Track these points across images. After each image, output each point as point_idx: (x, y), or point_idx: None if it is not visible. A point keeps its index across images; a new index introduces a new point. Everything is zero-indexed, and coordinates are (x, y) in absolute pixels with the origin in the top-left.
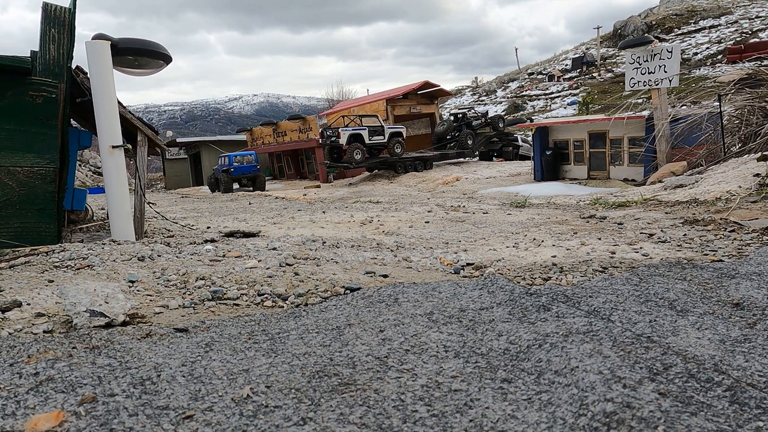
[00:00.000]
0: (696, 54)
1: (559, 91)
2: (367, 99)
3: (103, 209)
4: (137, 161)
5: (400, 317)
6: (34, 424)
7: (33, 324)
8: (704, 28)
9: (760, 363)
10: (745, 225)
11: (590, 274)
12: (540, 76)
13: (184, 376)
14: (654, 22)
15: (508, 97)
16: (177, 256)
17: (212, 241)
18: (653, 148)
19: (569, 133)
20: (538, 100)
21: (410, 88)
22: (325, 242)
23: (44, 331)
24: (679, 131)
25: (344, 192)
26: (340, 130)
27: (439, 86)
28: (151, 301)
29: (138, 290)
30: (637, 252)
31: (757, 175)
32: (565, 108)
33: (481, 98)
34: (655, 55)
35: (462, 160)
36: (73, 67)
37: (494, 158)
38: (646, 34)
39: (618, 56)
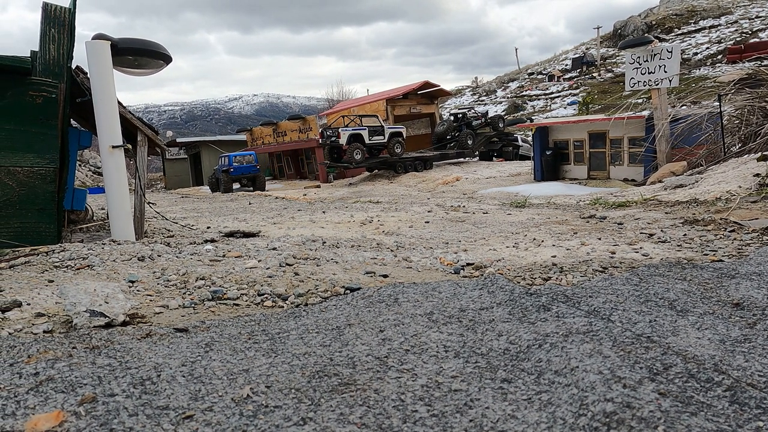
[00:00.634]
0: (696, 54)
1: (559, 91)
2: (367, 99)
3: (103, 209)
4: (137, 161)
5: (400, 317)
6: (34, 424)
7: (33, 324)
8: (704, 28)
9: (760, 363)
10: (745, 225)
11: (590, 274)
12: (540, 76)
13: (184, 376)
14: (654, 22)
15: (508, 97)
16: (177, 256)
17: (212, 241)
18: (653, 148)
19: (569, 133)
20: (538, 100)
21: (410, 88)
22: (325, 242)
23: (44, 331)
24: (679, 131)
25: (344, 192)
26: (340, 130)
27: (439, 86)
28: (151, 301)
29: (138, 290)
30: (637, 252)
31: (757, 175)
32: (565, 108)
33: (481, 98)
34: (655, 55)
35: (462, 160)
36: (73, 67)
37: (494, 158)
38: (646, 34)
39: (618, 56)
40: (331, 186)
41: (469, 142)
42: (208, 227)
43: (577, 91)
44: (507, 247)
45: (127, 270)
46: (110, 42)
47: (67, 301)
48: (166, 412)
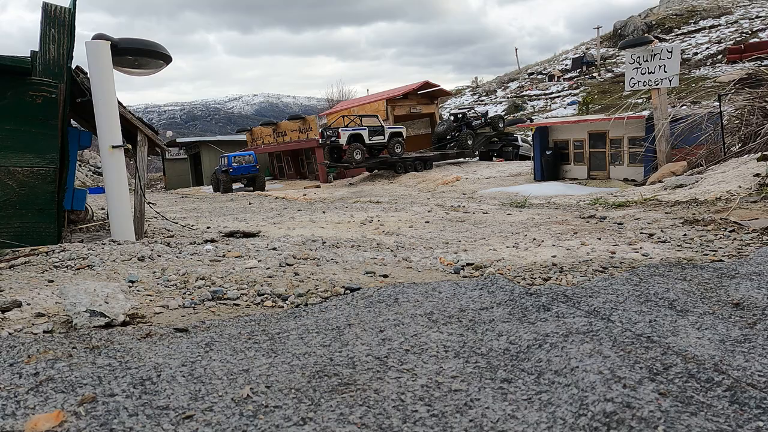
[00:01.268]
0: (696, 54)
1: (559, 91)
2: (367, 99)
3: (103, 209)
4: (137, 161)
5: (400, 317)
6: (34, 424)
7: (33, 324)
8: (704, 28)
9: (760, 363)
10: (745, 225)
11: (590, 274)
12: (540, 76)
13: (184, 376)
14: (654, 22)
15: (508, 97)
16: (177, 256)
17: (212, 241)
18: (653, 148)
19: (569, 133)
20: (538, 100)
21: (410, 88)
22: (325, 242)
23: (44, 331)
24: (679, 131)
25: (344, 192)
26: (340, 130)
27: (439, 86)
28: (151, 301)
29: (138, 290)
30: (637, 252)
31: (757, 175)
32: (565, 108)
33: (481, 98)
34: (655, 55)
35: (462, 160)
36: (73, 67)
37: (494, 158)
38: (646, 34)
39: (618, 56)
40: (331, 186)
41: (469, 142)
42: (208, 227)
43: (577, 91)
44: (507, 247)
45: (127, 270)
46: (110, 42)
47: (67, 301)
48: (166, 412)
